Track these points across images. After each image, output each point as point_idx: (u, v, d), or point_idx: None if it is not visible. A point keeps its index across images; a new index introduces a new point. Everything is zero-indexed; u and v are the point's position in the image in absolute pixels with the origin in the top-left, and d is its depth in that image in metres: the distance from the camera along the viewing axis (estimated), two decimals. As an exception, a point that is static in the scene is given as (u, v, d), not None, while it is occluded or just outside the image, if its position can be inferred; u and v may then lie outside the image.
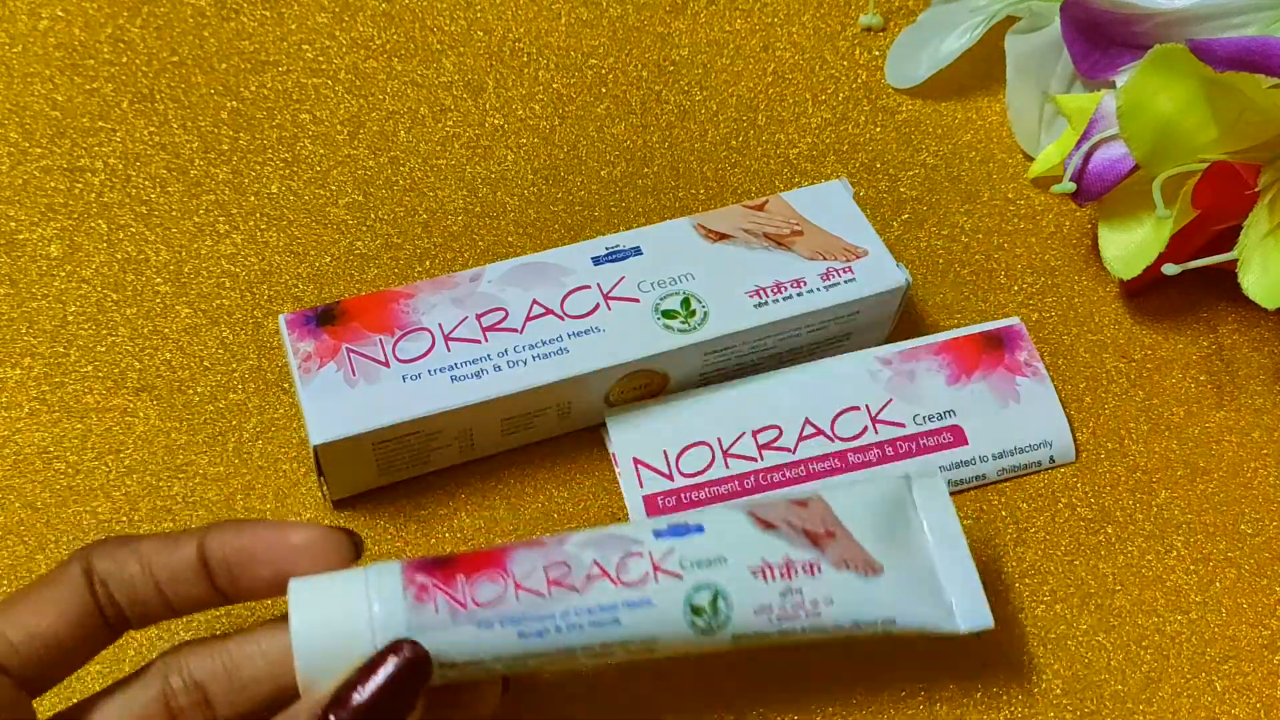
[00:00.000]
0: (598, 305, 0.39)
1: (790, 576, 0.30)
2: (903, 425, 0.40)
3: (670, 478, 0.38)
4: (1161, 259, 0.40)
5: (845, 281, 0.40)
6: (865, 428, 0.39)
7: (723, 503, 0.33)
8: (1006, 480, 0.40)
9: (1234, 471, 0.41)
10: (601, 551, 0.30)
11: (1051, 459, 0.41)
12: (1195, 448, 0.42)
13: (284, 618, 0.29)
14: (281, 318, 0.38)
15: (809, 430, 0.39)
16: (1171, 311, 0.45)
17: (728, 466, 0.39)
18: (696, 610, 0.30)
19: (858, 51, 0.52)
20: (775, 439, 0.39)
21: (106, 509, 0.38)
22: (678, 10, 0.52)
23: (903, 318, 0.42)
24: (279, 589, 0.29)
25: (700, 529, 0.31)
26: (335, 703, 0.27)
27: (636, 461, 0.39)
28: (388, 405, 0.36)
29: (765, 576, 0.30)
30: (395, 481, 0.39)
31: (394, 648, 0.28)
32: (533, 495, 0.39)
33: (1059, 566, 0.39)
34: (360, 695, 0.27)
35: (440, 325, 0.38)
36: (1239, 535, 0.40)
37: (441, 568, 0.29)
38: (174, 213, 0.45)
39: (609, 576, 0.29)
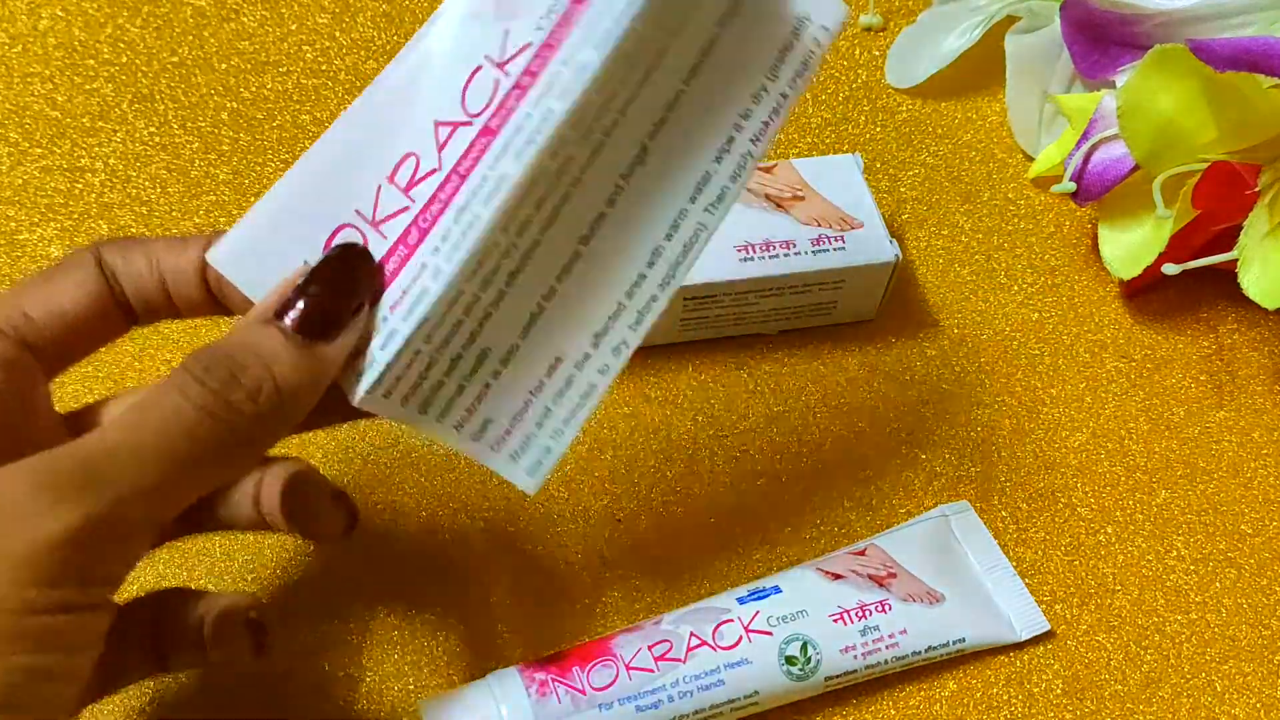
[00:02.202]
0: None
1: (865, 617, 0.34)
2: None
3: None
4: (1161, 259, 0.40)
5: (834, 249, 0.40)
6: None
7: (790, 568, 0.36)
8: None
9: (1234, 471, 0.41)
10: (695, 624, 0.33)
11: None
12: (1195, 448, 0.42)
13: None
14: None
15: None
16: (1171, 311, 0.45)
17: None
18: (790, 660, 0.33)
19: (858, 51, 0.52)
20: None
21: (106, 509, 0.38)
22: (678, 10, 0.52)
23: (899, 307, 0.42)
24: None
25: (778, 589, 0.35)
26: (282, 307, 0.27)
27: None
28: None
29: (844, 621, 0.34)
30: None
31: (334, 250, 0.28)
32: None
33: (1059, 566, 0.39)
34: (304, 295, 0.27)
35: None
36: (1239, 535, 0.40)
37: (555, 663, 0.32)
38: (174, 213, 0.45)
39: (707, 644, 0.33)
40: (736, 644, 0.33)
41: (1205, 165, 0.39)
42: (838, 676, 0.34)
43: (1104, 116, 0.41)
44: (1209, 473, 0.41)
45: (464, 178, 0.27)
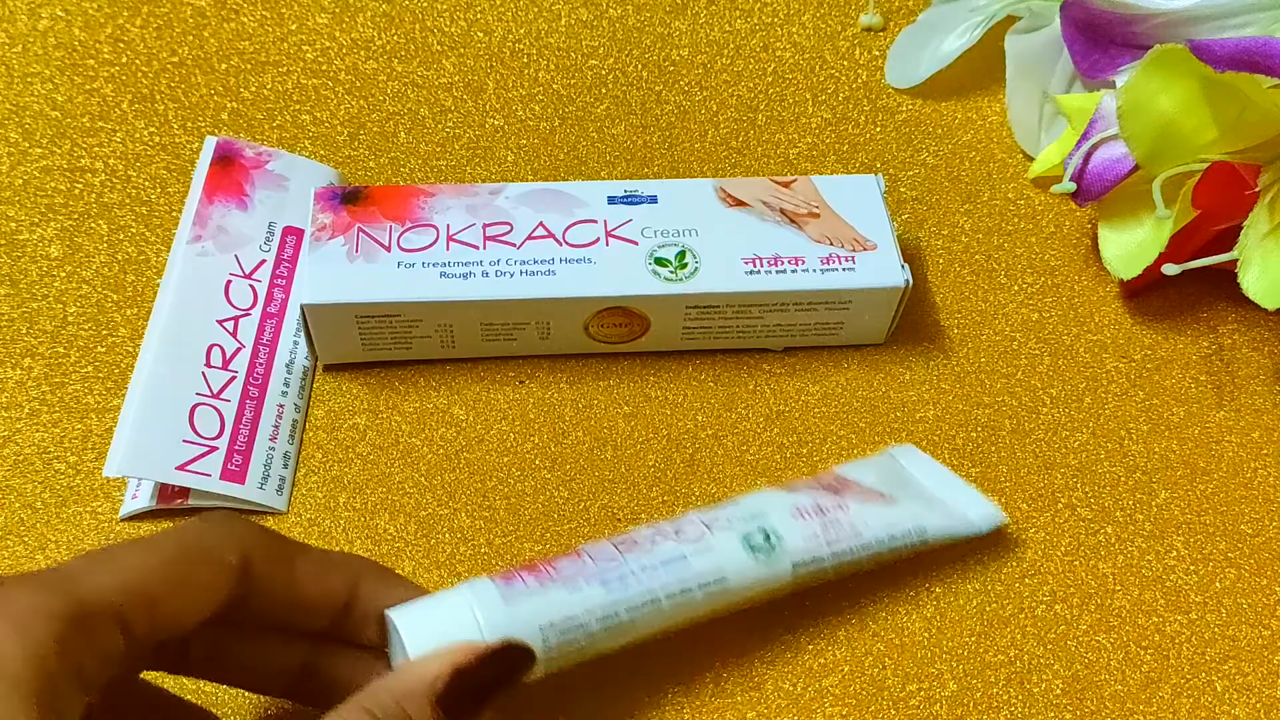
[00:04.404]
0: (597, 239, 0.40)
1: (824, 513, 0.35)
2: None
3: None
4: (1161, 259, 0.40)
5: (844, 269, 0.40)
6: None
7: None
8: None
9: (1234, 471, 0.41)
10: (658, 529, 0.34)
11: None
12: (1195, 448, 0.42)
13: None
14: (313, 189, 0.41)
15: None
16: (1171, 311, 0.45)
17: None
18: (754, 546, 0.34)
19: (858, 51, 0.52)
20: None
21: (107, 509, 0.38)
22: (678, 10, 0.52)
23: (903, 318, 0.42)
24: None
25: (735, 503, 0.35)
26: (451, 684, 0.27)
27: None
28: (375, 284, 0.39)
29: (804, 516, 0.35)
30: (379, 361, 0.41)
31: (508, 648, 0.29)
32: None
33: (1059, 566, 0.39)
34: (470, 678, 0.28)
35: (448, 225, 0.40)
36: (1239, 535, 0.40)
37: (522, 565, 0.32)
38: (174, 213, 0.45)
39: (670, 539, 0.33)
40: (699, 537, 0.34)
41: (1205, 165, 0.39)
42: (806, 564, 0.34)
43: (1104, 116, 0.41)
44: (1209, 473, 0.41)
45: (272, 347, 0.41)
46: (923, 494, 0.38)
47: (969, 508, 0.38)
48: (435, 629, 0.29)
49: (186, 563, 0.27)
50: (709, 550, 0.33)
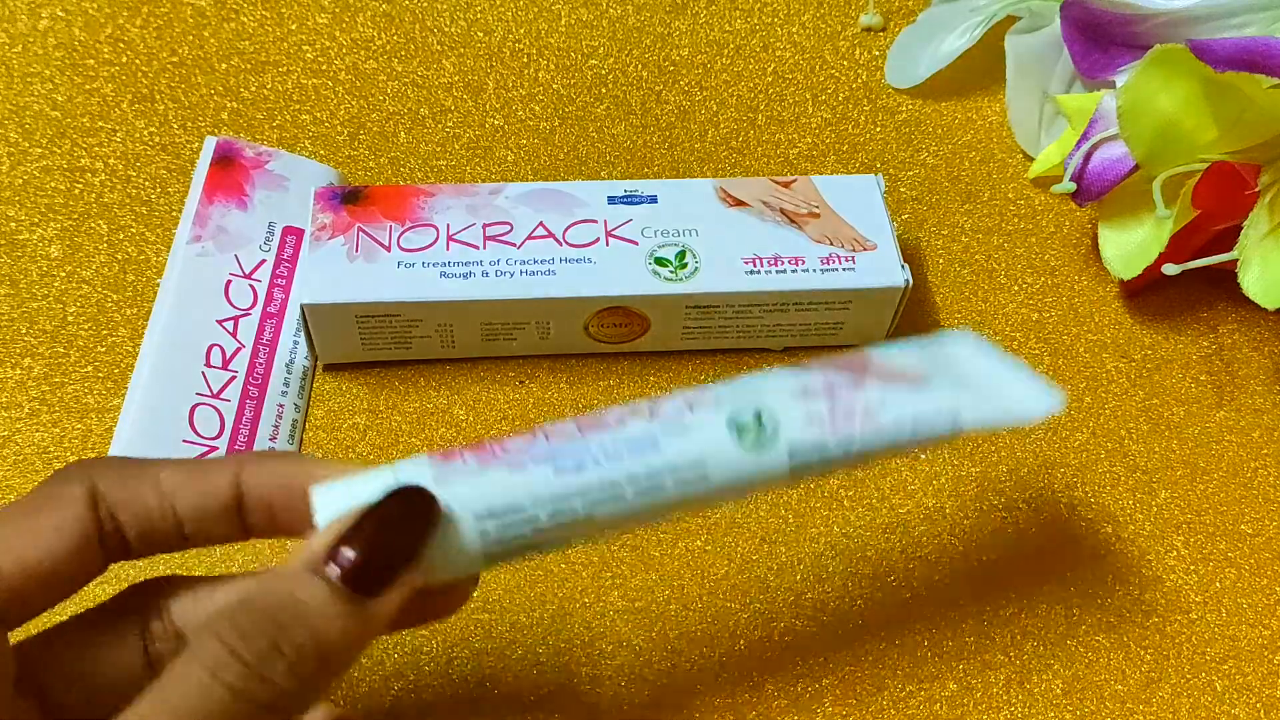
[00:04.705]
0: (597, 239, 0.40)
1: (835, 395, 0.28)
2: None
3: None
4: (1161, 259, 0.40)
5: (844, 269, 0.40)
6: None
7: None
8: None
9: (1234, 471, 0.41)
10: (631, 407, 0.28)
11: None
12: (1195, 448, 0.42)
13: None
14: (313, 189, 0.41)
15: None
16: (1171, 311, 0.45)
17: None
18: (742, 429, 0.27)
19: (858, 51, 0.52)
20: None
21: (106, 509, 0.38)
22: (678, 10, 0.52)
23: (903, 318, 0.42)
24: None
25: (732, 380, 0.29)
26: (331, 554, 0.24)
27: None
28: (375, 284, 0.39)
29: (809, 396, 0.28)
30: (379, 360, 0.41)
31: (393, 493, 0.25)
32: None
33: (1059, 566, 0.39)
34: (355, 542, 0.24)
35: (448, 225, 0.40)
36: (1239, 535, 0.40)
37: (470, 444, 0.27)
38: (174, 213, 0.45)
39: (642, 418, 0.27)
40: (676, 415, 0.27)
41: (1205, 165, 0.39)
42: (805, 453, 0.27)
43: (1104, 116, 0.41)
44: (1209, 473, 0.41)
45: (272, 347, 0.40)
46: (964, 377, 0.31)
47: (1019, 392, 0.30)
48: (350, 506, 0.25)
49: (24, 515, 0.25)
50: (686, 432, 0.27)
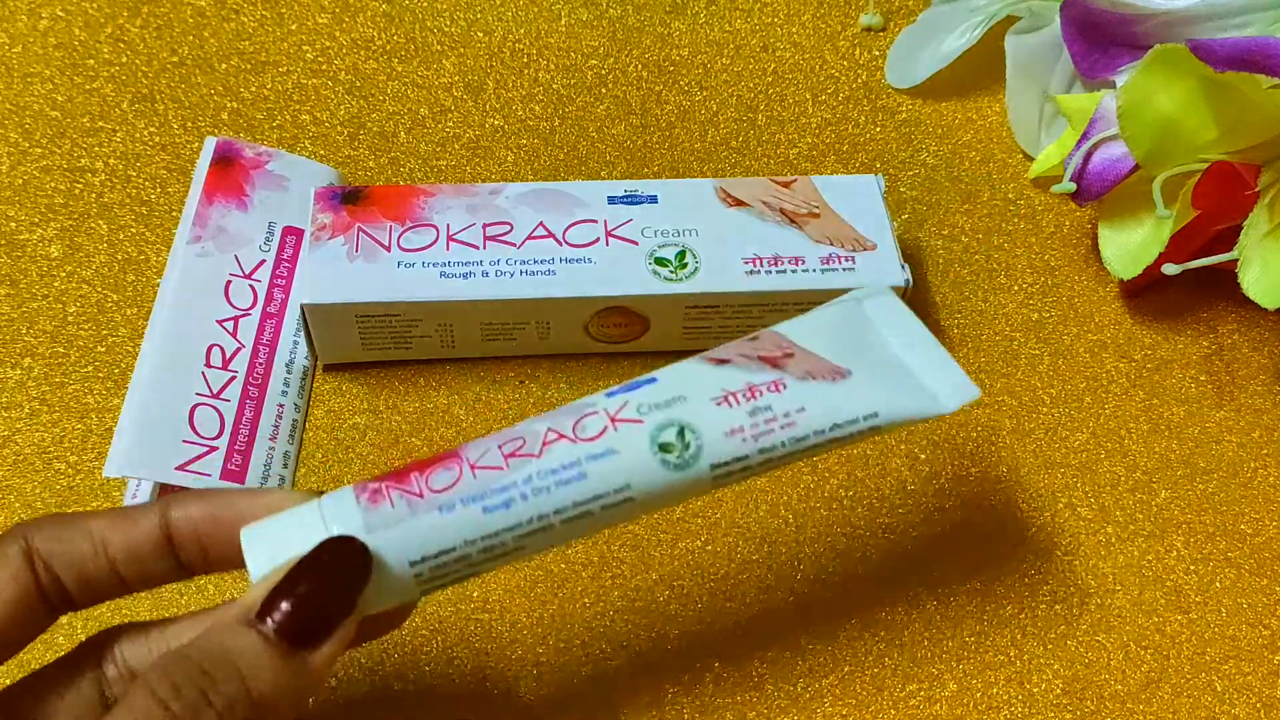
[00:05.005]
0: (597, 239, 0.40)
1: (755, 397, 0.29)
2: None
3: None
4: (1161, 259, 0.40)
5: (844, 269, 0.40)
6: None
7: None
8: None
9: (1234, 471, 0.41)
10: (555, 420, 0.28)
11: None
12: (1195, 448, 0.42)
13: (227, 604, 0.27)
14: (313, 189, 0.41)
15: None
16: (1171, 311, 0.45)
17: None
18: (665, 447, 0.28)
19: (858, 51, 0.52)
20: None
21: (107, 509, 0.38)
22: (678, 10, 0.52)
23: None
24: None
25: (653, 380, 0.29)
26: (265, 608, 0.24)
27: None
28: (375, 284, 0.39)
29: (729, 403, 0.29)
30: (379, 360, 0.41)
31: (325, 544, 0.25)
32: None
33: (1059, 566, 0.39)
34: (290, 596, 0.24)
35: (448, 225, 0.40)
36: (1239, 535, 0.40)
37: (393, 474, 0.27)
38: (174, 213, 0.45)
39: (566, 438, 0.28)
40: (600, 434, 0.28)
41: (1205, 165, 0.39)
42: (726, 464, 0.28)
43: (1104, 116, 0.41)
44: (1209, 473, 0.41)
45: (271, 347, 0.41)
46: (883, 362, 0.31)
47: (936, 382, 0.31)
48: (283, 550, 0.26)
49: None
50: (612, 454, 0.27)
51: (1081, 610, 0.38)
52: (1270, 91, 0.37)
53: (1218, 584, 0.39)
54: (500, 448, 0.27)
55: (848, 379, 0.30)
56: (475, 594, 0.37)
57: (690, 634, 0.37)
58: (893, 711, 0.36)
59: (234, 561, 0.27)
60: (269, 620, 0.24)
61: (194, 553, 0.27)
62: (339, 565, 0.25)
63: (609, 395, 0.29)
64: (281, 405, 0.40)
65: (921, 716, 0.36)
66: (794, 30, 0.52)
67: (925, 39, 0.50)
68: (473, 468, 0.27)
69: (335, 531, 0.26)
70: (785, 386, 0.29)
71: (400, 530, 0.26)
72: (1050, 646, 0.37)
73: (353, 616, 0.25)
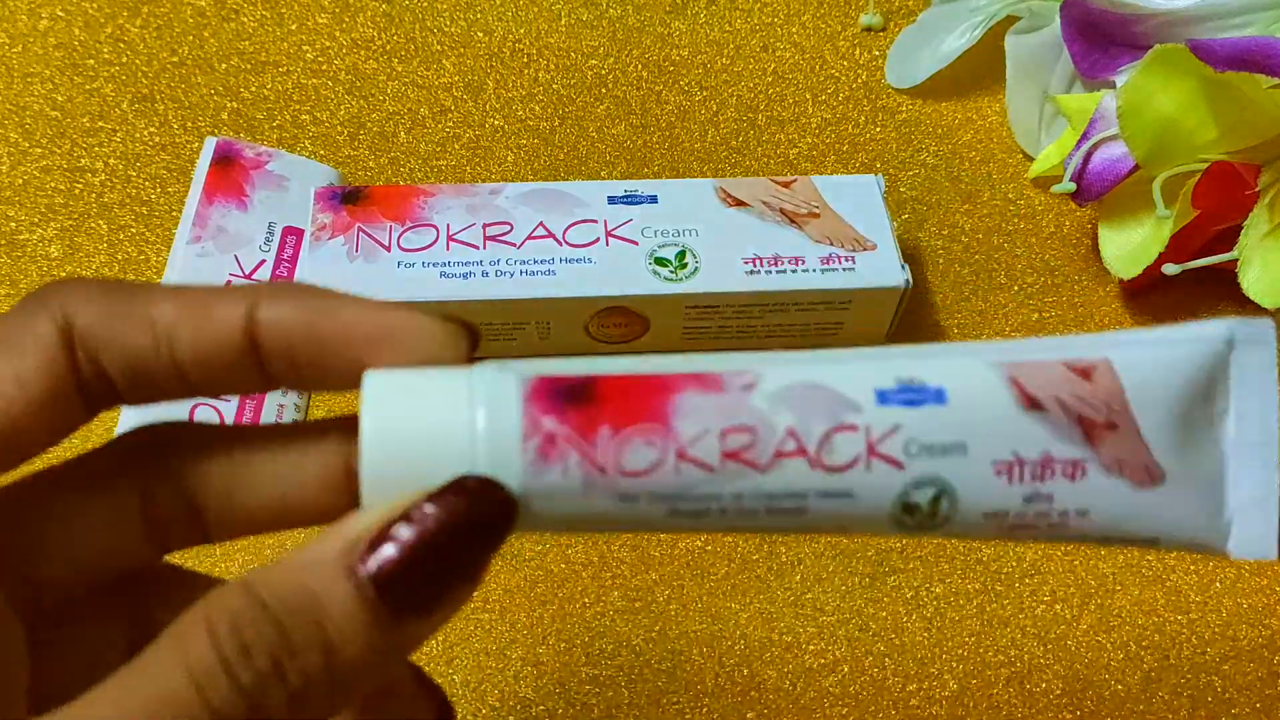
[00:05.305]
0: (597, 239, 0.40)
1: (1044, 479, 0.22)
2: None
3: None
4: (1161, 259, 0.40)
5: (844, 269, 0.40)
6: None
7: (970, 347, 0.23)
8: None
9: (1234, 471, 0.41)
10: (802, 415, 0.21)
11: None
12: (1195, 448, 0.42)
13: (342, 421, 0.22)
14: (313, 189, 0.41)
15: None
16: (1171, 311, 0.45)
17: None
18: (909, 509, 0.22)
19: (858, 51, 0.52)
20: None
21: (106, 509, 0.38)
22: (678, 10, 0.52)
23: (903, 318, 0.42)
24: (356, 382, 0.21)
25: (940, 396, 0.22)
26: (372, 549, 0.19)
27: None
28: (375, 284, 0.39)
29: (1012, 476, 0.22)
30: None
31: (467, 485, 0.20)
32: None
33: (1059, 566, 0.39)
34: (406, 545, 0.19)
35: (448, 225, 0.40)
36: (1239, 535, 0.40)
37: (579, 407, 0.21)
38: (174, 213, 0.45)
39: (806, 455, 0.21)
40: (849, 466, 0.21)
41: (1205, 165, 0.39)
42: (959, 537, 0.23)
43: (1104, 116, 0.41)
44: (1209, 473, 0.41)
45: None
46: (1202, 468, 0.24)
47: (1244, 511, 0.24)
48: (412, 440, 0.20)
49: None
50: (845, 500, 0.21)
51: (1081, 610, 0.38)
52: (1270, 91, 0.37)
53: (1218, 584, 0.39)
54: (723, 436, 0.21)
55: (1157, 489, 0.23)
56: (475, 594, 0.37)
57: (690, 634, 0.37)
58: (892, 711, 0.36)
59: (331, 382, 0.22)
60: (373, 569, 0.18)
61: (283, 365, 0.21)
62: (476, 523, 0.19)
63: (881, 400, 0.22)
64: (281, 405, 0.40)
65: (921, 716, 0.36)
66: (794, 30, 0.52)
67: (925, 39, 0.50)
68: (681, 455, 0.21)
69: (485, 455, 0.20)
70: (1085, 475, 0.22)
71: (562, 504, 0.20)
72: (1050, 646, 0.37)
73: (473, 585, 0.20)
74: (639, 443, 0.21)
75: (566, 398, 0.21)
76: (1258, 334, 0.23)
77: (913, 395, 0.22)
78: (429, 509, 0.19)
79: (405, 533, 0.19)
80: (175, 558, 0.23)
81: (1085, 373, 0.23)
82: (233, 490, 0.21)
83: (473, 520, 0.19)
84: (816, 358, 0.22)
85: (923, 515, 0.22)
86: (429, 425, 0.20)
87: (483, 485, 0.19)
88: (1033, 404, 0.22)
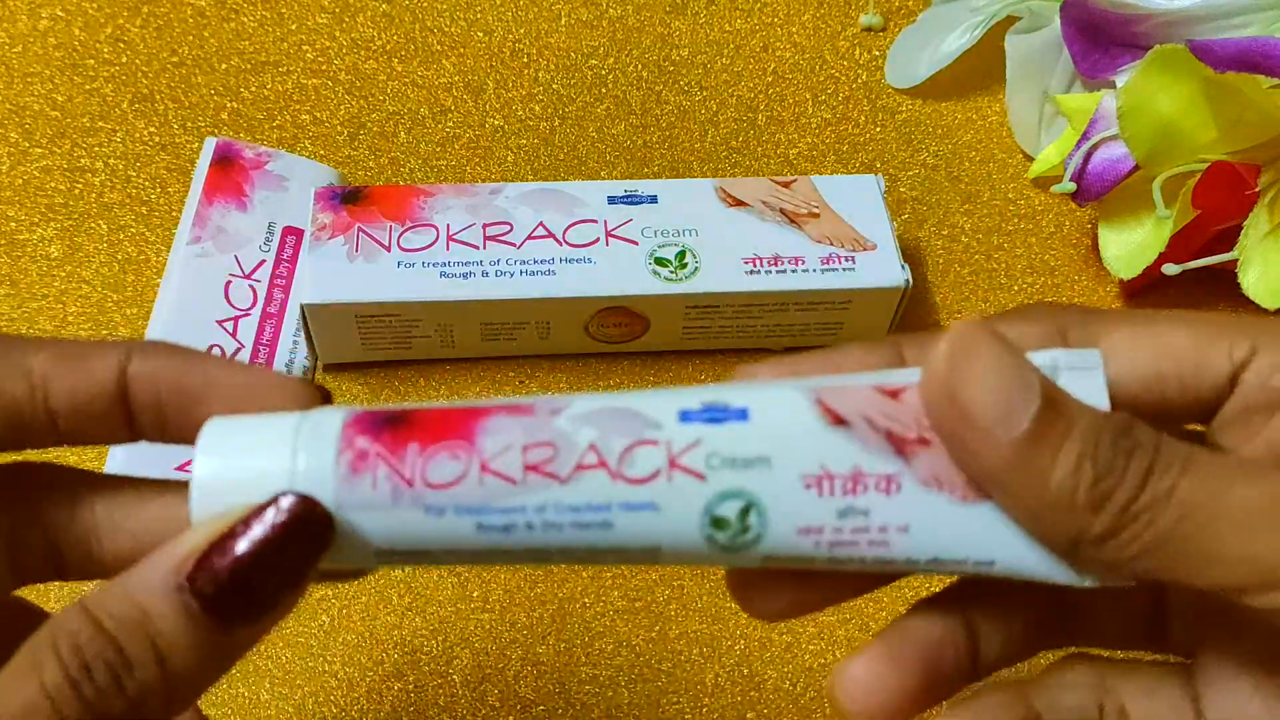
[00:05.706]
0: (597, 239, 0.40)
1: (855, 493, 0.22)
2: None
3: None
4: (1161, 259, 0.40)
5: (844, 269, 0.40)
6: None
7: (781, 379, 0.23)
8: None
9: (1234, 471, 0.41)
10: (604, 432, 0.22)
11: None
12: (1195, 448, 0.42)
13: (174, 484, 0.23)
14: (313, 189, 0.41)
15: None
16: (1171, 311, 0.45)
17: None
18: (718, 523, 0.22)
19: (858, 51, 0.52)
20: None
21: (106, 509, 0.38)
22: (678, 10, 0.52)
23: (903, 318, 0.42)
24: None
25: (743, 415, 0.22)
26: (199, 568, 0.20)
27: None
28: (375, 284, 0.39)
29: (822, 489, 0.22)
30: (379, 361, 0.41)
31: (284, 503, 0.21)
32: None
33: (1059, 566, 0.39)
34: (229, 559, 0.20)
35: (448, 225, 0.40)
36: (1239, 535, 0.40)
37: (392, 429, 0.22)
38: (174, 213, 0.45)
39: (606, 467, 0.22)
40: (649, 478, 0.22)
41: (1205, 165, 0.39)
42: (782, 559, 0.22)
43: (1104, 116, 0.41)
44: (1209, 473, 0.41)
45: (271, 347, 0.41)
46: None
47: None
48: (242, 469, 0.21)
49: None
50: (650, 511, 0.22)
51: (1081, 610, 0.38)
52: (1270, 91, 0.37)
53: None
54: (524, 450, 0.22)
55: (980, 505, 0.22)
56: (475, 594, 0.37)
57: (690, 634, 0.37)
58: (893, 711, 0.36)
59: (193, 436, 0.22)
60: (199, 583, 0.20)
61: (151, 418, 0.23)
62: (294, 535, 0.21)
63: (683, 419, 0.22)
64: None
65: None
66: (794, 30, 0.52)
67: (925, 39, 0.50)
68: (484, 468, 0.21)
69: (302, 478, 0.21)
70: (900, 489, 0.22)
71: (374, 517, 0.21)
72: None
73: (297, 593, 0.21)
74: (444, 457, 0.22)
75: (383, 423, 0.22)
76: (1083, 357, 0.23)
77: (716, 414, 0.22)
78: (248, 524, 0.20)
79: (228, 548, 0.20)
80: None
81: (894, 394, 0.23)
82: (90, 537, 0.23)
83: (289, 531, 0.21)
84: (631, 393, 0.23)
85: (734, 530, 0.22)
86: (255, 454, 0.22)
87: (298, 499, 0.21)
88: (838, 420, 0.22)
